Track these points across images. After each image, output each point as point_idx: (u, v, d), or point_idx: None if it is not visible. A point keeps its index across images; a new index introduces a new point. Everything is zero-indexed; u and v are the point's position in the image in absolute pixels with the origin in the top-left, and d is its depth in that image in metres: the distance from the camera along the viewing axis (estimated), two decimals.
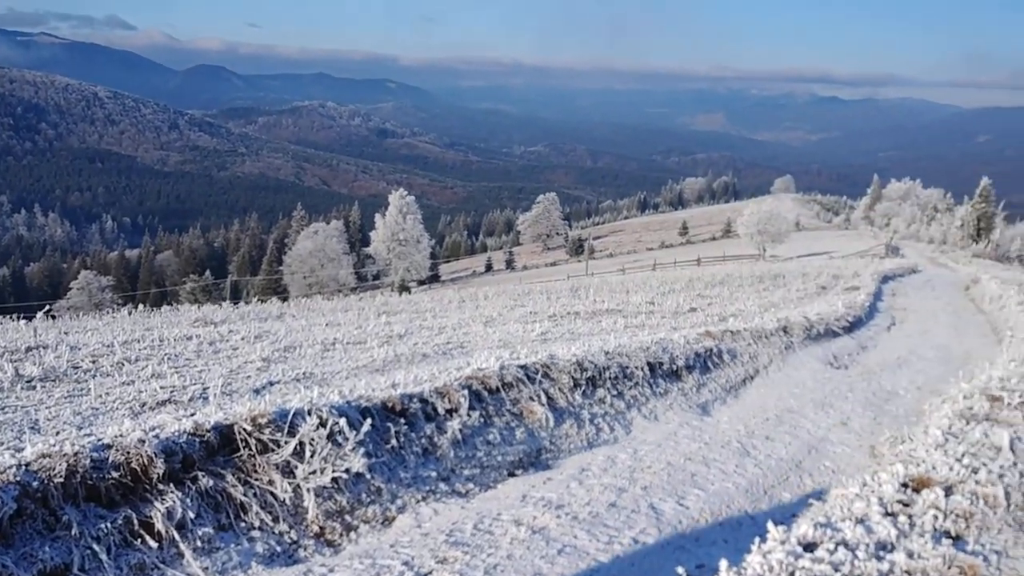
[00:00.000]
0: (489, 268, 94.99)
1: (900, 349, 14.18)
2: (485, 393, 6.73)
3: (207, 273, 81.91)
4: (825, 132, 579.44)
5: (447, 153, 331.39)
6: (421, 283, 65.68)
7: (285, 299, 26.15)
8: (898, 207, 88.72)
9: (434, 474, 5.64)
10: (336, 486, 4.95)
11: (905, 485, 4.72)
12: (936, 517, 4.19)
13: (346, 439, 5.02)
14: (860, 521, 3.97)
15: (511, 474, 6.06)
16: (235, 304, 17.32)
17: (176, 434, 4.54)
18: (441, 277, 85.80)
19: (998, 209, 64.58)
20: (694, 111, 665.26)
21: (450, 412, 6.23)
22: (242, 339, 10.64)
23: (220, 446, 4.74)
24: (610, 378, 8.10)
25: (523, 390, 7.08)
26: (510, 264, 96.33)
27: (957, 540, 4.13)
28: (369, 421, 5.28)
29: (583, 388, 7.70)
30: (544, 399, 7.13)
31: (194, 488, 4.38)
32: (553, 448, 6.66)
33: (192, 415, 4.99)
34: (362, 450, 5.06)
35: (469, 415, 6.28)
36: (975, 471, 5.15)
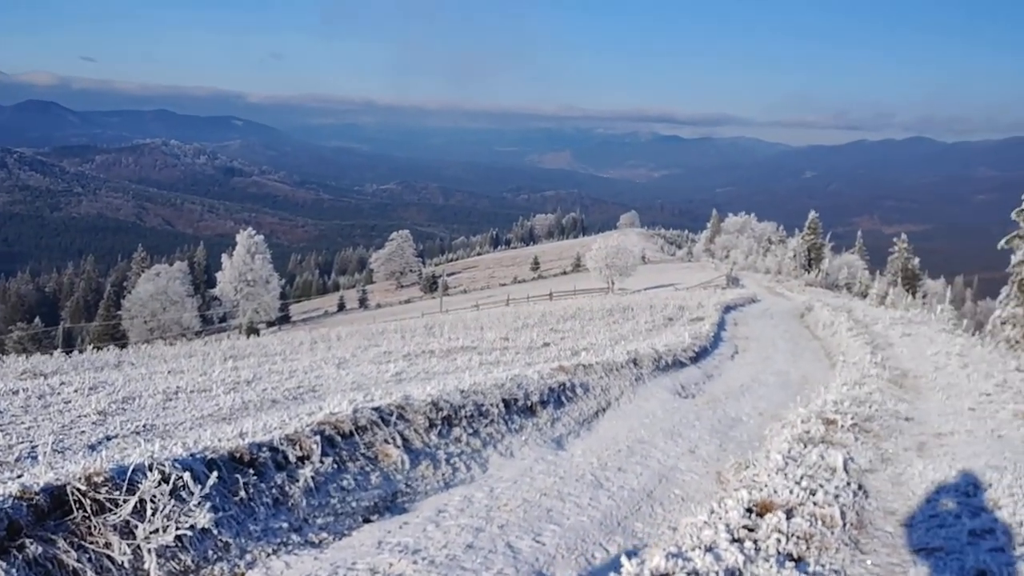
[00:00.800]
0: (342, 307, 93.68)
1: (743, 377, 14.79)
2: (338, 438, 6.58)
3: (36, 320, 77.02)
4: (667, 169, 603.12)
5: (297, 191, 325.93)
6: (271, 324, 63.98)
7: (124, 346, 24.90)
8: (736, 239, 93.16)
9: (286, 525, 5.45)
10: (180, 544, 4.70)
11: (750, 510, 4.89)
12: (779, 540, 4.36)
13: (191, 494, 4.78)
14: (709, 549, 4.09)
15: (367, 520, 5.92)
16: (68, 353, 16.38)
17: (0, 499, 4.21)
18: (292, 318, 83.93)
19: (826, 240, 68.61)
20: (543, 149, 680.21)
21: (302, 459, 6.05)
22: (75, 391, 10.02)
23: (51, 509, 4.42)
24: (466, 416, 8.08)
25: (378, 433, 6.96)
26: (363, 303, 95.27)
27: (799, 562, 4.31)
28: (216, 473, 5.06)
29: (439, 428, 7.65)
30: (399, 441, 7.03)
31: (20, 557, 4.06)
32: (409, 491, 6.57)
33: (19, 477, 4.64)
34: (208, 504, 4.83)
35: (322, 461, 6.11)
36: (813, 493, 5.40)
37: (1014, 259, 25.13)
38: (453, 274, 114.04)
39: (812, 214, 68.26)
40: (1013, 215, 25.15)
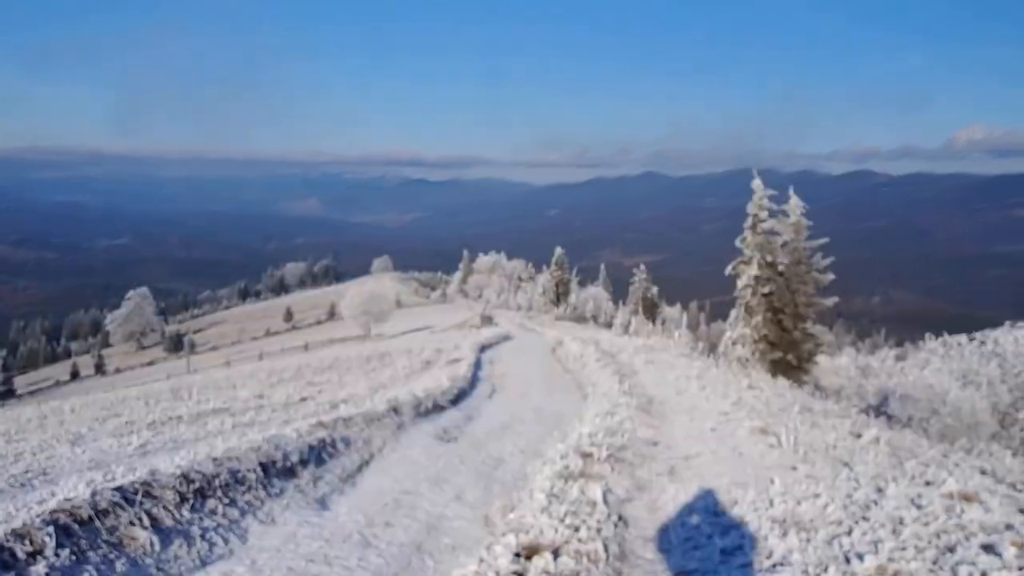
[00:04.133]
0: (76, 375, 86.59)
1: (503, 415, 15.03)
2: (76, 526, 5.97)
3: None
4: (417, 212, 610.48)
5: (17, 252, 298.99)
6: None
7: None
8: (488, 279, 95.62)
9: None
10: None
11: (518, 554, 4.91)
12: None
13: None
14: None
15: None
16: None
17: None
18: (17, 391, 76.43)
19: (572, 275, 71.92)
20: (291, 197, 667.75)
21: (33, 555, 5.43)
22: None
23: None
24: (221, 486, 7.62)
25: (122, 515, 6.39)
26: (100, 368, 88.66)
27: None
28: None
29: (191, 502, 7.15)
30: (147, 521, 6.49)
31: None
32: (162, 574, 6.07)
33: None
34: None
35: (57, 555, 5.52)
36: (577, 529, 5.51)
37: (740, 283, 27.33)
38: (200, 331, 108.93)
39: (558, 250, 71.32)
40: (737, 242, 27.39)
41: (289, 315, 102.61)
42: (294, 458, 9.01)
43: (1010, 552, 5.40)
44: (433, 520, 7.75)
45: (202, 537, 6.76)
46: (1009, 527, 6.16)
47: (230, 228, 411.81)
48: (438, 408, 14.70)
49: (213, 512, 7.24)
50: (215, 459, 7.98)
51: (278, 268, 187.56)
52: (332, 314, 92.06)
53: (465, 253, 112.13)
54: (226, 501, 7.51)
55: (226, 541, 6.87)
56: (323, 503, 8.36)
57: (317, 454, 9.58)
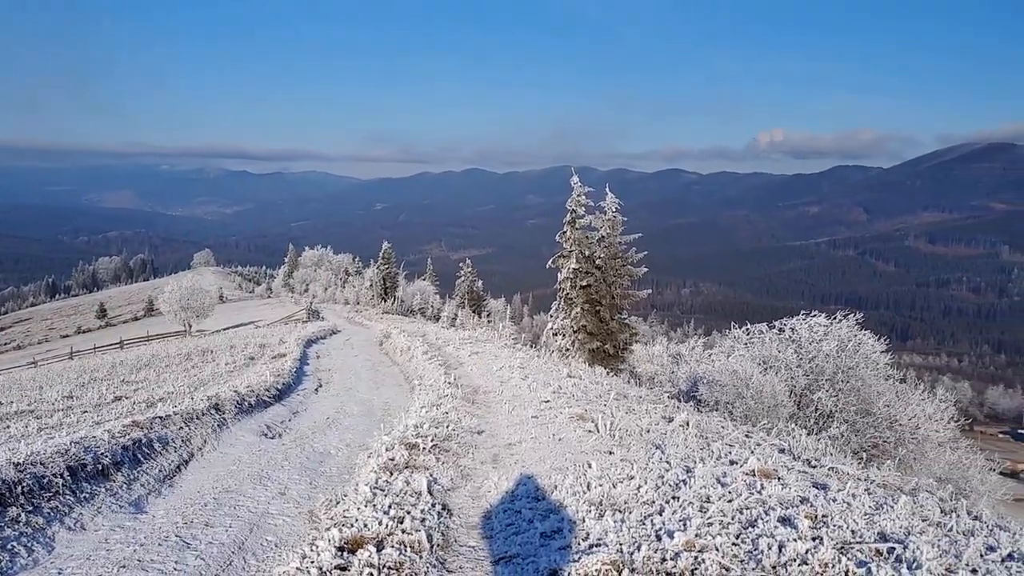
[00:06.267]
0: None
1: (329, 409, 14.87)
2: None
3: None
4: (239, 205, 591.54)
5: None
6: None
7: None
8: (315, 273, 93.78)
9: None
10: None
11: (342, 548, 4.93)
12: (371, 575, 4.45)
13: None
14: None
15: None
16: None
17: None
18: None
19: (400, 269, 71.61)
20: (102, 188, 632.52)
21: None
22: None
23: None
24: (24, 492, 7.20)
25: None
26: None
27: None
28: None
29: None
30: None
31: None
32: None
33: None
34: None
35: None
36: (401, 521, 5.58)
37: (560, 277, 28.13)
38: (3, 329, 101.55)
39: (385, 244, 70.85)
40: (557, 237, 28.16)
41: (103, 312, 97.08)
42: (106, 460, 8.61)
43: (804, 524, 5.88)
44: (256, 518, 7.61)
45: (3, 548, 6.39)
46: (804, 500, 6.68)
47: (35, 221, 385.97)
48: (262, 404, 14.38)
49: (15, 521, 6.84)
50: (17, 464, 7.53)
51: (90, 263, 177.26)
52: (150, 310, 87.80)
53: (291, 247, 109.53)
54: (29, 508, 7.11)
55: (30, 551, 6.51)
56: (138, 506, 8.05)
57: (132, 455, 9.20)
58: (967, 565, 5.25)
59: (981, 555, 5.56)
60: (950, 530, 6.35)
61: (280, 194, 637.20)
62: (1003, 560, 5.52)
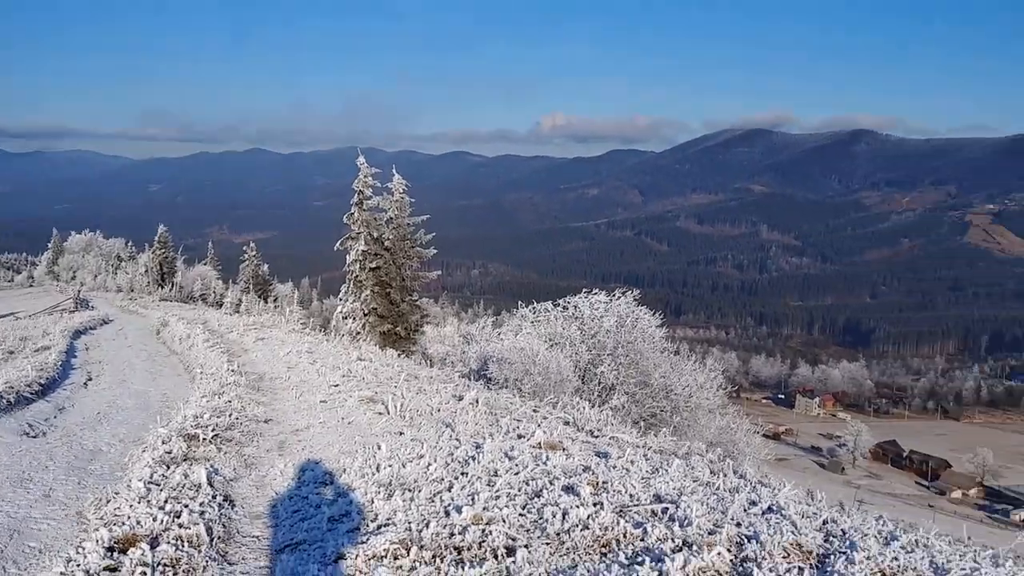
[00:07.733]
0: None
1: (100, 404, 13.95)
2: None
3: None
4: None
5: None
6: None
7: None
8: (82, 259, 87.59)
9: None
10: None
11: (112, 549, 4.62)
12: (145, 574, 4.19)
13: None
14: None
15: None
16: None
17: None
18: None
19: (178, 253, 68.30)
20: None
21: None
22: None
23: None
24: None
25: None
26: None
27: None
28: None
29: None
30: None
31: None
32: None
33: None
34: None
35: None
36: (178, 515, 5.30)
37: (349, 259, 27.78)
38: None
39: (161, 228, 67.36)
40: (345, 218, 27.75)
41: None
42: None
43: (587, 491, 6.10)
44: (17, 524, 6.99)
45: None
46: (586, 469, 6.93)
47: None
48: (23, 401, 13.27)
49: None
50: None
51: None
52: None
53: (55, 232, 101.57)
54: None
55: None
56: None
57: None
58: (732, 519, 5.62)
59: (745, 509, 5.98)
60: (718, 488, 6.79)
61: (43, 175, 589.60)
62: (763, 513, 5.96)
